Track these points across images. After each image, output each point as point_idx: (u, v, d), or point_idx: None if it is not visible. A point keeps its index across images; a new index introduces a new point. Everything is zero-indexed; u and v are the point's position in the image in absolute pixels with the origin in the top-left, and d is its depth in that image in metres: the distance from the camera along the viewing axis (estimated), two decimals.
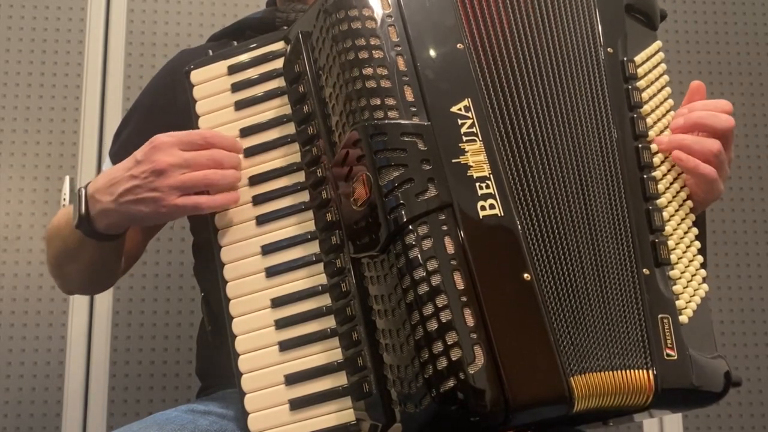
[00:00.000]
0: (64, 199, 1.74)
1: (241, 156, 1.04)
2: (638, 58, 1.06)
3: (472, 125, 0.93)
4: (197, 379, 1.36)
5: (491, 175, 0.91)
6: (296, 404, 0.95)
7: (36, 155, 1.78)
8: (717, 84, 2.03)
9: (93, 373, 1.72)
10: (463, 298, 0.85)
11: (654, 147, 1.02)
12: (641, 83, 1.05)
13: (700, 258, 1.02)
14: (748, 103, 2.04)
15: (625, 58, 1.05)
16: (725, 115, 1.03)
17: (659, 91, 1.07)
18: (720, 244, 1.98)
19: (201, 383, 1.34)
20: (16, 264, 1.74)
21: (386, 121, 0.90)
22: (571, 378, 0.87)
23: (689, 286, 0.99)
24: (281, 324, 0.98)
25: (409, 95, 0.92)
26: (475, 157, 0.91)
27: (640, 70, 1.05)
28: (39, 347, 1.72)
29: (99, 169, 1.77)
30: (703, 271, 1.02)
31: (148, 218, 1.04)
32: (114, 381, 1.72)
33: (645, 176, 1.00)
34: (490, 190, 0.90)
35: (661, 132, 1.04)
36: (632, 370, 0.91)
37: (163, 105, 1.30)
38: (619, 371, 0.90)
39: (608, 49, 1.04)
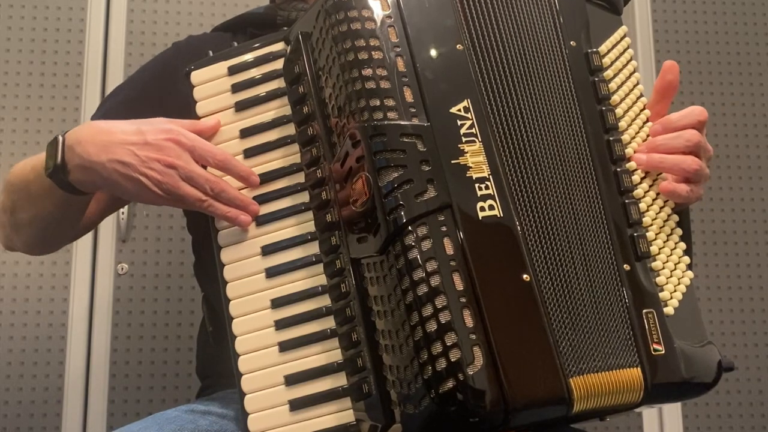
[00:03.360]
0: None
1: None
2: (603, 47, 1.05)
3: (471, 126, 0.92)
4: (197, 379, 1.36)
5: (490, 176, 0.90)
6: (296, 405, 0.95)
7: (36, 155, 1.78)
8: (717, 84, 2.03)
9: (93, 373, 1.72)
10: (463, 299, 0.85)
11: (626, 137, 1.01)
12: (608, 73, 1.04)
13: (682, 245, 1.02)
14: (748, 103, 2.04)
15: (589, 50, 1.04)
16: (688, 133, 1.02)
17: (627, 78, 1.06)
18: (720, 243, 1.99)
19: (201, 383, 1.34)
20: (16, 264, 1.74)
21: (386, 122, 0.90)
22: (570, 379, 0.87)
23: (673, 275, 0.99)
24: (281, 325, 0.98)
25: (409, 96, 0.92)
26: (474, 157, 0.91)
27: (606, 60, 1.04)
28: (39, 347, 1.72)
29: None
30: (686, 258, 1.01)
31: (128, 195, 1.02)
32: (114, 381, 1.72)
33: (618, 169, 1.00)
34: (490, 191, 0.90)
35: (633, 121, 1.03)
36: (623, 369, 0.91)
37: (152, 99, 1.26)
38: (613, 371, 0.90)
39: (571, 43, 1.03)
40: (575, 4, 1.06)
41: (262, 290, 1.00)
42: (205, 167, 1.02)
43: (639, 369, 0.91)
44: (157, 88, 1.27)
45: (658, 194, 1.02)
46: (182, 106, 1.08)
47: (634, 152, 1.02)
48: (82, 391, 1.71)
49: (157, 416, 1.08)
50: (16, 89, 1.80)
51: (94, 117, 1.30)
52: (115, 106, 1.29)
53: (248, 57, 1.07)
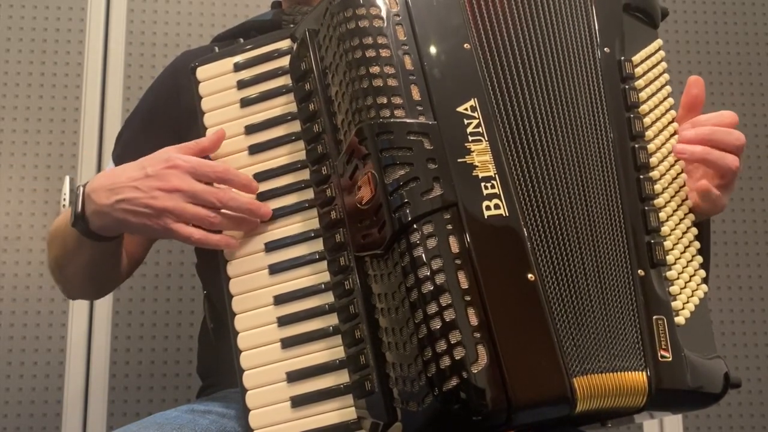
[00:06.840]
0: (64, 199, 1.74)
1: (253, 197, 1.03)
2: (637, 57, 1.06)
3: (478, 125, 0.92)
4: (197, 378, 1.36)
5: (496, 175, 0.91)
6: (298, 401, 0.96)
7: (36, 155, 1.78)
8: (717, 84, 2.03)
9: (93, 373, 1.72)
10: (467, 298, 0.85)
11: (651, 147, 1.02)
12: (639, 83, 1.04)
13: (699, 258, 1.02)
14: (748, 103, 2.04)
15: (622, 58, 1.04)
16: (738, 132, 1.03)
17: (659, 90, 1.06)
18: (720, 244, 1.99)
19: (202, 382, 1.34)
20: (16, 264, 1.74)
21: (392, 120, 0.90)
22: (574, 379, 0.87)
23: (687, 286, 0.99)
24: (284, 321, 0.99)
25: (416, 94, 0.92)
26: (480, 156, 0.91)
27: (639, 69, 1.05)
28: (39, 347, 1.72)
29: (99, 170, 1.76)
30: (702, 272, 1.01)
31: (137, 230, 1.05)
32: (114, 381, 1.72)
33: (641, 176, 1.00)
34: (495, 190, 0.90)
35: (660, 132, 1.04)
36: (628, 372, 0.91)
37: (166, 106, 1.30)
38: (618, 373, 0.90)
39: (605, 49, 1.03)
40: (612, 12, 1.06)
41: (265, 287, 1.00)
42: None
43: (644, 373, 0.91)
44: (163, 112, 1.31)
45: (679, 206, 1.02)
46: (191, 112, 1.09)
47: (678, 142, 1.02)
48: (82, 391, 1.71)
49: (157, 416, 1.08)
50: (16, 89, 1.80)
51: (115, 152, 1.35)
52: (131, 137, 1.34)
53: (254, 53, 1.07)
